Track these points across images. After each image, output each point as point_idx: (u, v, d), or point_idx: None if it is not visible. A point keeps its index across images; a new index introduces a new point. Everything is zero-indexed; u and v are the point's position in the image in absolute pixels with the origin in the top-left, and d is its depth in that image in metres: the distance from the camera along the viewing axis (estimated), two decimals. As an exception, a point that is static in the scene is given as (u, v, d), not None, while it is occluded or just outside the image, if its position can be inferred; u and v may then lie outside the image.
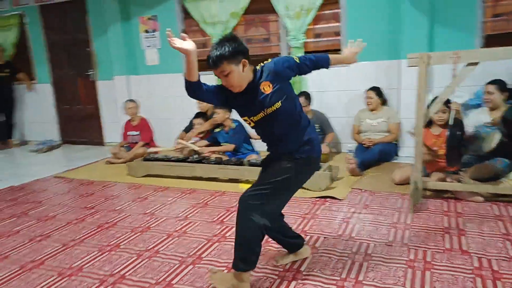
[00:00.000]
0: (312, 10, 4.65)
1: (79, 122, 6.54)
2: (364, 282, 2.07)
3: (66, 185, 4.24)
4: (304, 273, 2.19)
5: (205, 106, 4.92)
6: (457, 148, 2.88)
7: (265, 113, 1.93)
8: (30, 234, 2.95)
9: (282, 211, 2.21)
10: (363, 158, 4.05)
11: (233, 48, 1.84)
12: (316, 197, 3.36)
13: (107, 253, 2.57)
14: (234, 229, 2.75)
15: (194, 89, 1.91)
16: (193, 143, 4.68)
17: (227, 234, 2.74)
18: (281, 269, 2.23)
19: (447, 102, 3.18)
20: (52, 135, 6.76)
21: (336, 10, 4.70)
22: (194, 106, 5.02)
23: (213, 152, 4.44)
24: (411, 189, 2.94)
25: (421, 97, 2.98)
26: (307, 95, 4.58)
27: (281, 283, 2.11)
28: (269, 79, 1.92)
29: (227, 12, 5.05)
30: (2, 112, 6.53)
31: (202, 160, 4.12)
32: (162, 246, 2.62)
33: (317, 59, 2.06)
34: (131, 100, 5.11)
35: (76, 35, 6.20)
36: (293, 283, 2.10)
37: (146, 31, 5.69)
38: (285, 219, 2.26)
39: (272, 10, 4.88)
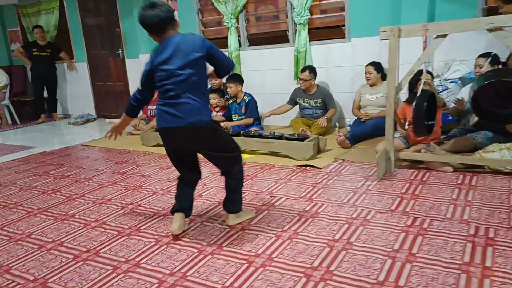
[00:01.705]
0: (316, -14, 4.75)
1: (111, 97, 7.15)
2: (300, 233, 2.32)
3: (88, 152, 4.79)
4: (252, 225, 2.47)
5: (219, 83, 5.23)
6: (423, 119, 2.97)
7: None
8: (44, 189, 3.47)
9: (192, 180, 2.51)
10: (354, 132, 4.18)
11: None
12: (298, 165, 3.59)
13: (98, 205, 3.01)
14: (210, 189, 3.10)
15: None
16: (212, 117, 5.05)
17: (204, 194, 3.07)
18: (234, 221, 2.53)
19: (419, 74, 3.22)
20: (90, 109, 7.44)
21: (340, -14, 4.76)
22: (208, 82, 5.33)
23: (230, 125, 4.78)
24: (378, 157, 3.08)
25: (392, 69, 3.09)
26: (311, 69, 4.74)
27: (229, 231, 2.41)
28: None
29: (237, -9, 5.27)
30: (45, 87, 7.26)
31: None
32: (145, 201, 3.01)
33: None
34: (149, 76, 5.54)
35: (107, 17, 6.72)
36: (240, 232, 2.39)
37: (167, 12, 6.05)
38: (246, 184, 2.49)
39: (280, -12, 5.03)
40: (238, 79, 4.90)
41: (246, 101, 4.85)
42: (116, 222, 2.67)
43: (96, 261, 2.18)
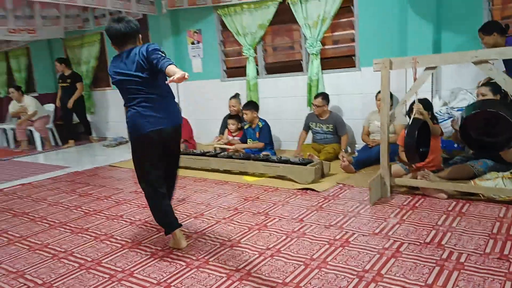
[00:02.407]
0: (327, 19, 5.00)
1: (142, 122, 7.64)
2: (282, 251, 2.49)
3: (114, 172, 5.19)
4: (241, 242, 2.67)
5: (237, 109, 5.53)
6: (413, 147, 3.07)
7: None
8: (68, 205, 3.85)
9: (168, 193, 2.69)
10: (359, 157, 4.31)
11: None
12: (299, 189, 3.76)
13: (110, 220, 3.32)
14: (212, 209, 3.33)
15: None
16: (229, 141, 5.35)
17: (205, 213, 3.31)
18: (226, 239, 2.75)
19: (412, 104, 3.35)
20: (124, 133, 7.97)
21: (351, 18, 4.98)
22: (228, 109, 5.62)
23: (239, 149, 5.03)
24: (371, 181, 3.20)
25: (385, 98, 3.24)
26: (324, 96, 4.94)
27: (218, 248, 2.62)
28: None
29: (255, 24, 5.62)
30: (73, 114, 7.74)
31: (216, 154, 4.76)
32: (152, 218, 3.28)
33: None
34: (173, 103, 5.95)
35: (140, 48, 7.29)
36: (228, 249, 2.60)
37: (192, 43, 6.52)
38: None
39: (294, 20, 5.32)
40: (253, 106, 5.18)
41: (260, 126, 5.10)
42: (122, 236, 2.95)
43: (97, 269, 2.46)
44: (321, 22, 5.03)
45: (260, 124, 5.11)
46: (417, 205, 3.12)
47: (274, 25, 5.62)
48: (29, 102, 7.52)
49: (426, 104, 3.51)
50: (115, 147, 7.35)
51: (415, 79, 3.10)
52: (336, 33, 5.18)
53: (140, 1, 6.44)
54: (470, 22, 4.18)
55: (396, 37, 4.63)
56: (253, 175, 4.41)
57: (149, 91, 2.43)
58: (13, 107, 7.74)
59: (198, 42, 6.45)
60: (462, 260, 2.21)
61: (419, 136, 3.13)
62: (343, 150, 4.79)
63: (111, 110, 8.11)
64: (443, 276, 2.07)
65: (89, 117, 8.15)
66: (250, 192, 3.79)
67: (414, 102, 3.33)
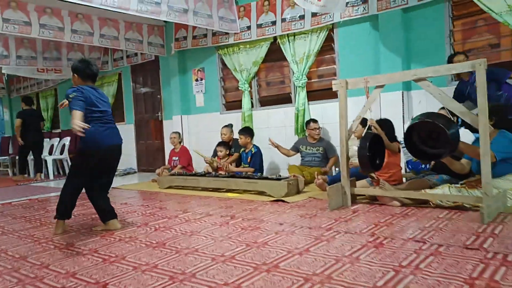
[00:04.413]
0: (312, 55, 5.51)
1: (150, 154, 8.17)
2: (232, 238, 2.78)
3: (116, 192, 5.60)
4: (199, 233, 2.98)
5: (228, 137, 5.97)
6: (365, 157, 3.37)
7: None
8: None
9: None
10: (335, 177, 4.58)
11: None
12: (272, 201, 4.06)
13: (96, 220, 3.70)
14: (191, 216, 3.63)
15: None
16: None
17: (180, 215, 3.64)
18: (188, 231, 3.06)
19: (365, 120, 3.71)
20: (133, 164, 8.50)
21: (332, 55, 5.48)
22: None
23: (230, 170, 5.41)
24: (329, 188, 3.48)
25: (343, 115, 3.61)
26: (315, 121, 5.32)
27: (179, 236, 2.94)
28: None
29: (250, 61, 6.19)
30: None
31: (204, 174, 5.14)
32: (143, 233, 3.65)
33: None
34: (174, 132, 6.46)
35: (152, 86, 8.00)
36: (187, 237, 2.91)
37: (196, 80, 7.14)
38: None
39: (284, 58, 5.86)
40: (248, 132, 5.60)
41: (252, 152, 5.49)
42: (100, 230, 3.31)
43: (69, 249, 2.81)
44: (306, 58, 5.54)
45: (253, 150, 5.50)
46: (369, 211, 3.36)
47: (267, 62, 6.17)
48: None
49: (385, 123, 3.84)
50: (122, 176, 7.84)
51: (367, 97, 3.47)
52: (320, 68, 5.67)
53: (151, 43, 7.21)
54: (435, 55, 4.57)
55: (371, 71, 5.05)
56: (237, 192, 4.73)
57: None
58: None
59: (201, 79, 7.07)
60: (384, 242, 2.45)
61: (373, 148, 3.44)
62: (329, 169, 5.10)
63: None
64: (360, 252, 2.31)
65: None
66: (227, 204, 4.11)
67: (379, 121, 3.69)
